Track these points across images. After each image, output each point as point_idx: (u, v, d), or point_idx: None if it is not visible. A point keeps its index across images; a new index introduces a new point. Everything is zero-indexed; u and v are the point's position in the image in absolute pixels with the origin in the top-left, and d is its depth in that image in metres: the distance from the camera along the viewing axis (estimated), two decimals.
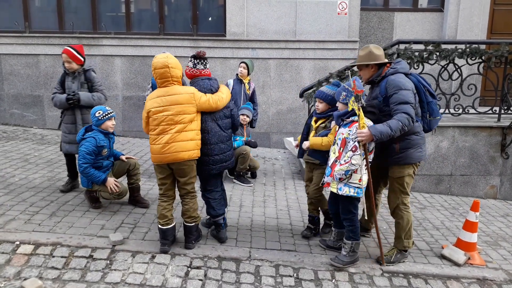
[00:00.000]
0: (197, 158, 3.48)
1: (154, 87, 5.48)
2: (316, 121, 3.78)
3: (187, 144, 3.38)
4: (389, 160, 3.44)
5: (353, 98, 3.16)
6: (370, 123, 3.24)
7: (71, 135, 4.46)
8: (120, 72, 7.50)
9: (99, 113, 4.08)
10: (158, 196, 3.56)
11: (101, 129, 4.13)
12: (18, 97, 7.58)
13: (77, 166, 4.10)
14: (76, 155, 4.33)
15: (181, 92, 3.39)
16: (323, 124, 3.72)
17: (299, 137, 4.00)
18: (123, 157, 4.43)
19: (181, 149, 3.35)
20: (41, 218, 3.92)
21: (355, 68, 5.35)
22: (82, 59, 4.45)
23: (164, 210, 3.48)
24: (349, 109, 3.22)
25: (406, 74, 3.35)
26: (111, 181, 4.11)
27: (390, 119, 3.20)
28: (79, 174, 4.56)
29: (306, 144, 3.74)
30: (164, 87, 3.41)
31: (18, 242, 3.45)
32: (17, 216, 3.92)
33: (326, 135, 3.65)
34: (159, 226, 3.49)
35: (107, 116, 4.12)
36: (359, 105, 3.14)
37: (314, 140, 3.68)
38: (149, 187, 5.03)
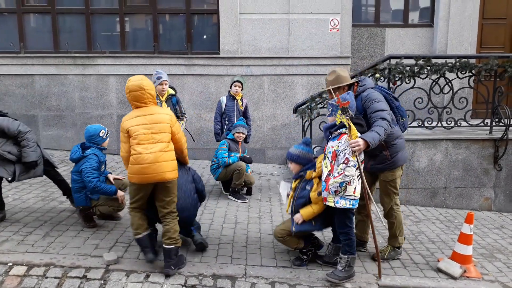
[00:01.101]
0: None
1: None
2: (295, 181, 3.75)
3: (172, 164, 3.41)
4: (381, 166, 3.74)
5: (339, 111, 3.24)
6: (358, 134, 3.29)
7: (5, 160, 4.12)
8: (115, 91, 7.54)
9: (103, 132, 4.31)
10: (130, 209, 3.52)
11: (101, 146, 4.30)
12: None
13: (87, 183, 4.04)
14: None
15: (159, 112, 3.44)
16: (300, 185, 3.67)
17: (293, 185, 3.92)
18: (111, 177, 4.48)
19: (167, 169, 3.36)
20: (34, 239, 3.89)
21: None
22: None
23: (139, 219, 3.49)
24: (337, 122, 3.30)
25: (373, 88, 3.64)
26: (121, 192, 4.26)
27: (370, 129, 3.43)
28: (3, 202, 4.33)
29: (299, 218, 3.57)
30: (140, 108, 3.41)
31: (11, 264, 3.42)
32: (10, 237, 3.89)
33: (306, 195, 3.57)
34: (136, 237, 3.47)
35: (108, 134, 4.37)
36: (347, 117, 3.22)
37: (306, 213, 3.55)
38: None
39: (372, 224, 3.54)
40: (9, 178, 4.15)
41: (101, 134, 4.27)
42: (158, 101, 5.08)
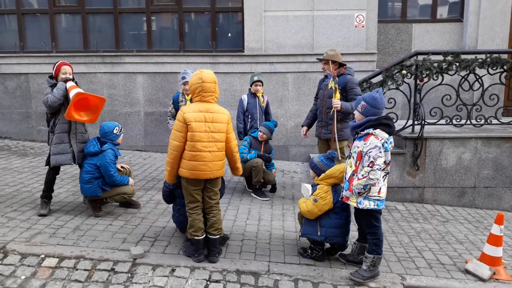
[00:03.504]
0: None
1: (175, 104, 5.59)
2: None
3: (223, 162, 3.60)
4: (331, 136, 4.75)
5: (332, 79, 4.65)
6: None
7: (63, 144, 4.39)
8: (142, 89, 7.70)
9: (117, 129, 4.51)
10: (190, 212, 3.60)
11: (115, 142, 4.53)
12: (45, 115, 7.83)
13: (108, 176, 4.34)
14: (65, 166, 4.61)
15: (221, 112, 3.54)
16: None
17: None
18: (118, 166, 4.68)
19: (219, 168, 3.55)
20: (65, 232, 4.03)
21: (373, 80, 5.84)
22: None
23: (200, 222, 3.60)
24: (329, 87, 4.69)
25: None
26: (132, 180, 4.66)
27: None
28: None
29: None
30: (204, 102, 3.48)
31: (43, 255, 3.55)
32: (43, 230, 4.05)
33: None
34: (196, 238, 3.56)
35: (122, 131, 4.57)
36: (336, 83, 4.64)
37: (300, 204, 3.84)
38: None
39: None
40: (72, 163, 4.47)
41: (114, 131, 4.48)
42: (183, 99, 5.19)
